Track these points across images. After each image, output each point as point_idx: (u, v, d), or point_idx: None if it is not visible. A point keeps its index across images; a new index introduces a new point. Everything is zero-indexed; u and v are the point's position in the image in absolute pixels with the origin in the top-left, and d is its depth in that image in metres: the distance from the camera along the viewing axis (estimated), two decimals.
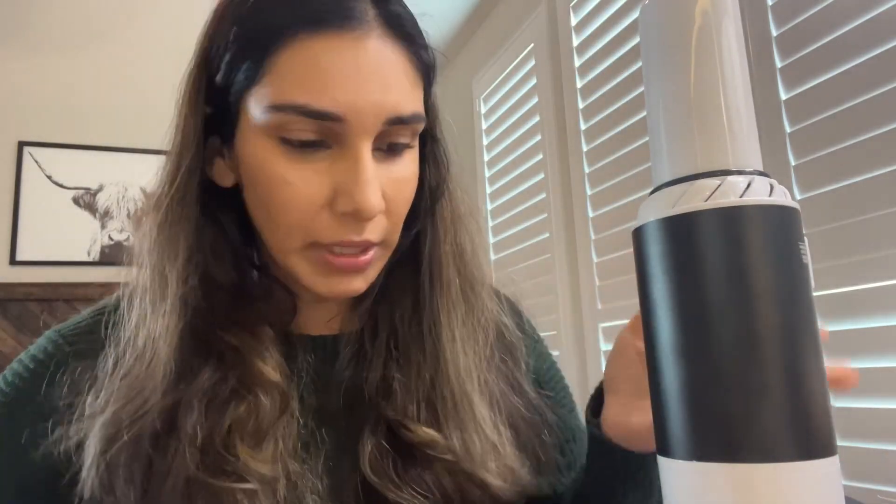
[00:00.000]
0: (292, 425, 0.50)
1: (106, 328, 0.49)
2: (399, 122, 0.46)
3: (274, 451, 0.47)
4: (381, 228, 0.48)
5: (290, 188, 0.45)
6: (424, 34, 0.50)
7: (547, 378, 0.63)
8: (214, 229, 0.51)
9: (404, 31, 0.47)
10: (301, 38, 0.43)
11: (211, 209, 0.50)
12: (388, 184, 0.47)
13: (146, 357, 0.46)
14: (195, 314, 0.48)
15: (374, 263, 0.50)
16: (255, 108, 0.45)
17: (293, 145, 0.45)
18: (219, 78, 0.47)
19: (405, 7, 0.49)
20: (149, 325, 0.47)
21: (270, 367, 0.49)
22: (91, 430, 0.45)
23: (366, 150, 0.45)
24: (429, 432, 0.49)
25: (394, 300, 0.55)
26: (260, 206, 0.48)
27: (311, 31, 0.43)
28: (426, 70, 0.50)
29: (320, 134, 0.45)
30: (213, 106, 0.48)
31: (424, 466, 0.49)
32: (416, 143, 0.50)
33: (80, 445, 0.45)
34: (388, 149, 0.47)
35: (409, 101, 0.47)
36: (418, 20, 0.50)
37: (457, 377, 0.51)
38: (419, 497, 0.47)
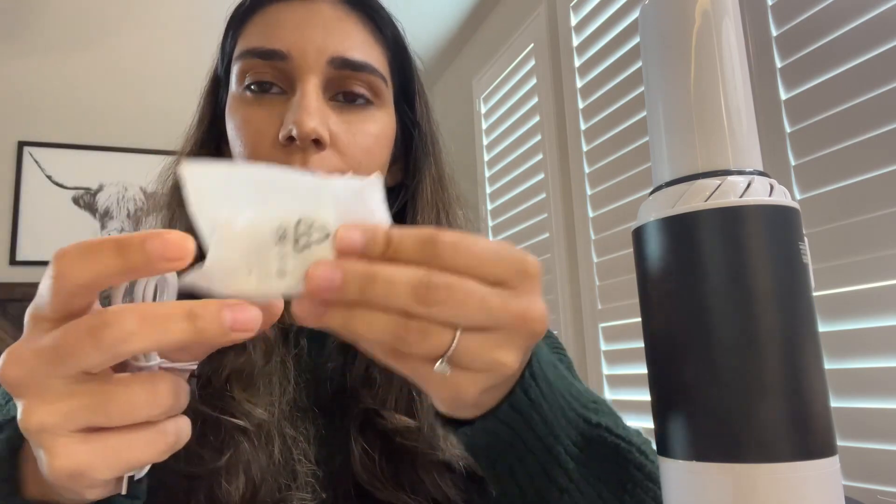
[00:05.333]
0: (286, 387, 0.51)
1: None
2: (346, 65, 0.50)
3: (268, 401, 0.49)
4: (330, 166, 0.49)
5: (249, 126, 0.50)
6: (394, 21, 0.56)
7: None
8: None
9: (360, 3, 0.53)
10: (264, 8, 0.52)
11: None
12: (341, 125, 0.50)
13: None
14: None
15: None
16: (232, 68, 0.52)
17: (255, 91, 0.50)
18: (220, 70, 0.54)
19: None
20: None
21: None
22: None
23: (310, 84, 0.49)
24: (402, 419, 0.49)
25: None
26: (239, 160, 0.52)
27: (272, 2, 0.52)
28: (387, 42, 0.54)
29: (274, 75, 0.50)
30: (221, 98, 0.55)
31: (409, 465, 0.49)
32: (384, 106, 0.53)
33: None
34: (345, 98, 0.51)
35: (358, 50, 0.51)
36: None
37: None
38: (410, 498, 0.48)
